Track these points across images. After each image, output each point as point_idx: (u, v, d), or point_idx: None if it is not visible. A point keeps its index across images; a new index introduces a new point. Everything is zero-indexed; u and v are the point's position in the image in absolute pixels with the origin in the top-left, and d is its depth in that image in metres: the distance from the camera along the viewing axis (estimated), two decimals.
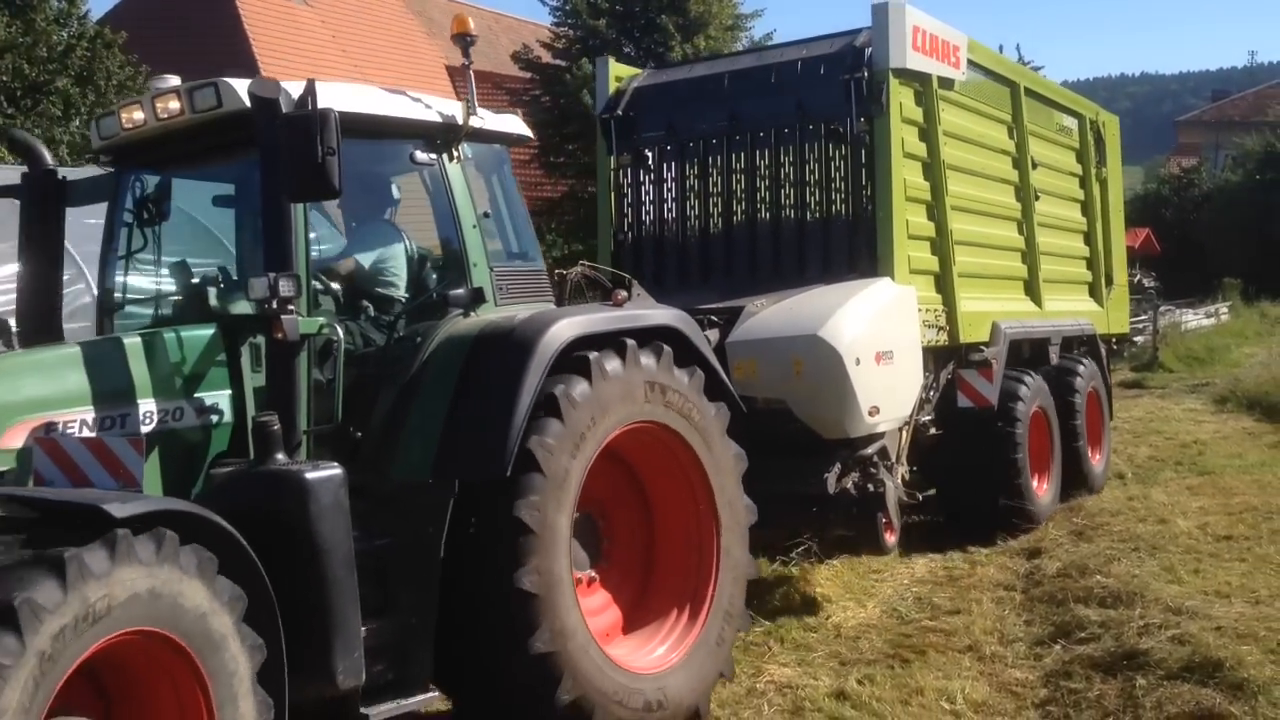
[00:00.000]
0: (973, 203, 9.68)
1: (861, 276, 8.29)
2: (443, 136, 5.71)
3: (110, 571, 3.69)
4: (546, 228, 24.74)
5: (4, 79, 17.96)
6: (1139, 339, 24.44)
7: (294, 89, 4.94)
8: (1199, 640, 6.18)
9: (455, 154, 5.75)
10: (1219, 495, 10.72)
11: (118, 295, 5.83)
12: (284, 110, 4.80)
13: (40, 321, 5.85)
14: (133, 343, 4.90)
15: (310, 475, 4.62)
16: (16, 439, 4.40)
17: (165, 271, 5.79)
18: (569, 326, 5.49)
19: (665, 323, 6.10)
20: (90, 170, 16.31)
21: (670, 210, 9.57)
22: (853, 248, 8.59)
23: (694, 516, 6.09)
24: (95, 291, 12.20)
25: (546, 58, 23.79)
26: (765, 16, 38.29)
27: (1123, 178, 13.43)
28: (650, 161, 9.50)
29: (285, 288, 4.69)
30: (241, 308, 5.06)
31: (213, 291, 5.41)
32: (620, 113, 9.56)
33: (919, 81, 8.90)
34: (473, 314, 5.64)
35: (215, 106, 5.18)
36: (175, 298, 5.74)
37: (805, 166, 8.91)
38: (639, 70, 10.40)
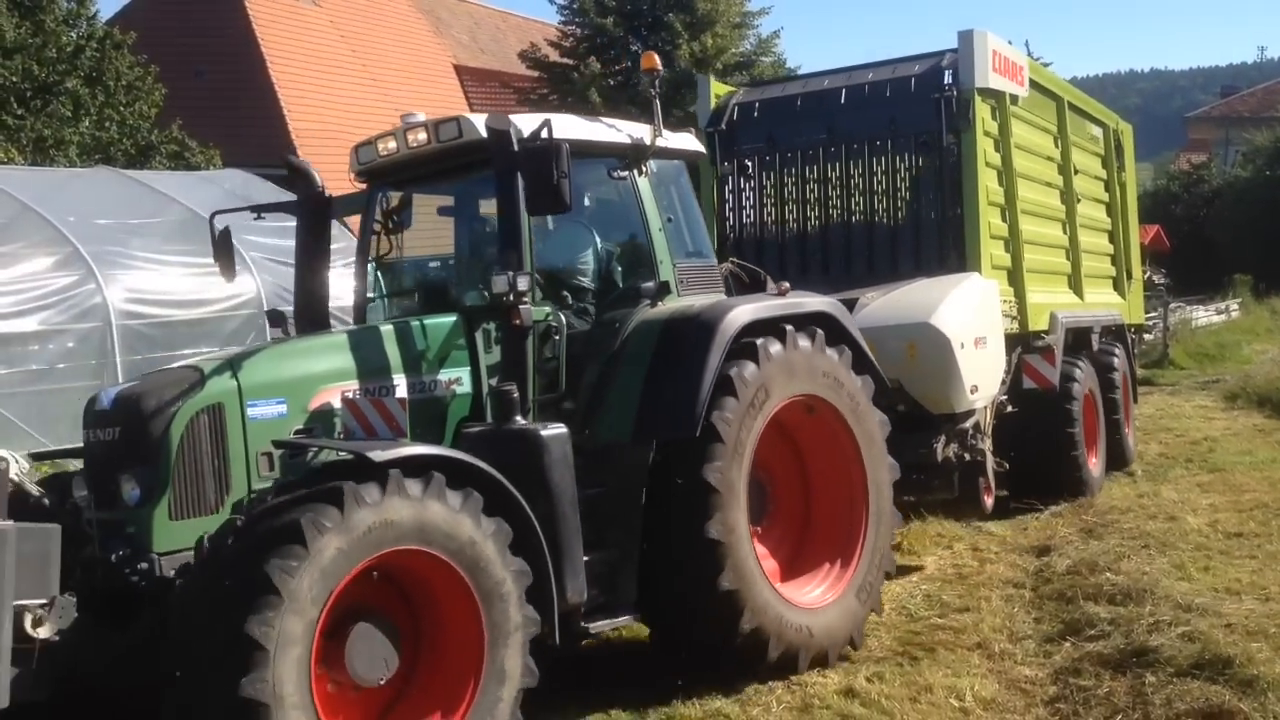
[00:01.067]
0: (1034, 206, 10.83)
1: (951, 272, 9.34)
2: (633, 155, 6.74)
3: (381, 502, 4.75)
4: None
5: (14, 80, 18.01)
6: (1149, 336, 24.37)
7: (523, 122, 6.13)
8: (1209, 637, 6.16)
9: (644, 169, 6.78)
10: (1229, 492, 10.72)
11: (370, 292, 7.04)
12: (514, 140, 5.93)
13: (313, 313, 6.95)
14: (396, 329, 6.11)
15: (545, 433, 5.71)
16: (320, 402, 5.68)
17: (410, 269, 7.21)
18: (744, 314, 6.55)
19: (820, 309, 7.13)
20: (109, 172, 16.42)
21: (770, 214, 10.74)
22: (941, 247, 9.73)
23: (845, 477, 7.03)
24: (106, 291, 12.18)
25: (554, 56, 23.78)
26: (772, 14, 38.16)
27: (1135, 179, 14.73)
28: (751, 170, 10.59)
29: (522, 284, 5.82)
30: (475, 300, 6.44)
31: (454, 287, 6.87)
32: (724, 126, 10.66)
33: (995, 99, 10.02)
34: (659, 303, 6.67)
35: (456, 137, 6.34)
36: (407, 295, 7.08)
37: (896, 175, 10.13)
38: (734, 88, 11.63)
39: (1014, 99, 10.25)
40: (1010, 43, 11.04)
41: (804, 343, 6.77)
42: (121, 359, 11.88)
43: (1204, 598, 7.19)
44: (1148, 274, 37.19)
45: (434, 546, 4.93)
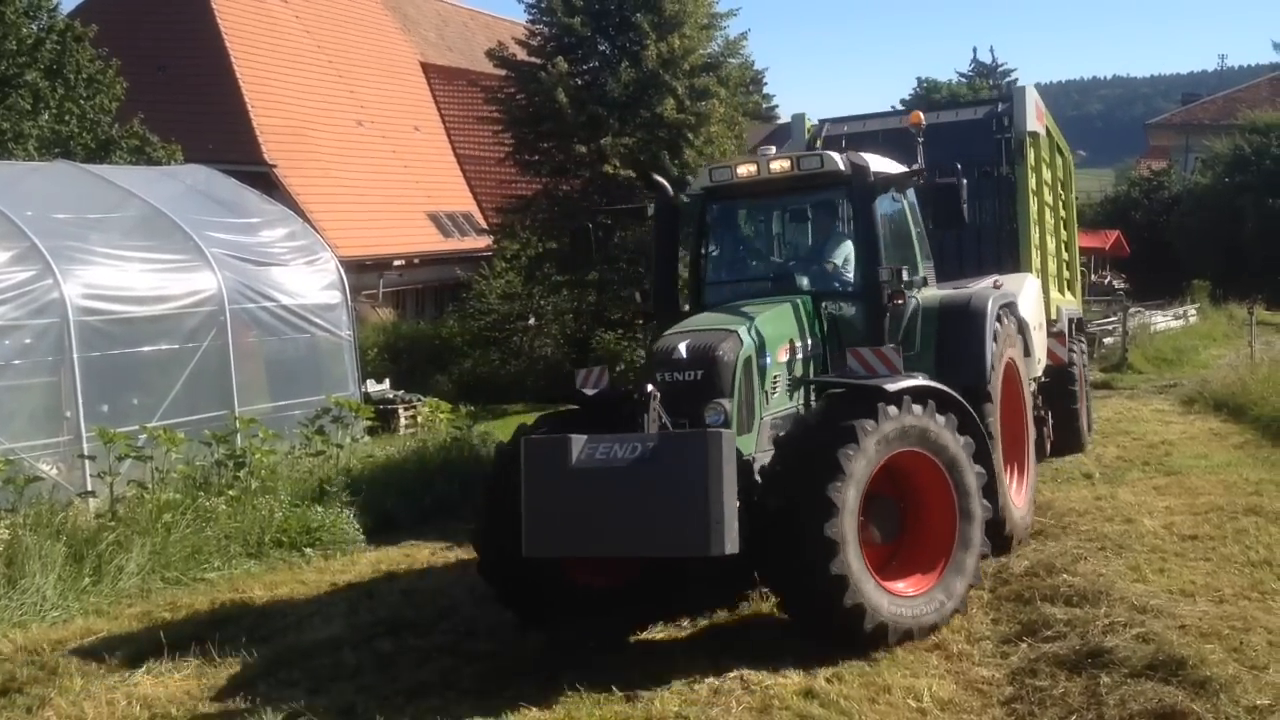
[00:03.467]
0: (1047, 221, 13.54)
1: (1006, 273, 11.20)
2: (902, 183, 8.98)
3: (898, 416, 7.02)
4: (520, 225, 24.70)
5: None
6: (1108, 340, 24.60)
7: (870, 160, 8.62)
8: (1163, 638, 6.24)
9: (907, 194, 9.14)
10: (1185, 495, 10.81)
11: (708, 284, 9.03)
12: (870, 174, 8.43)
13: (668, 295, 9.10)
14: (795, 305, 8.19)
15: (934, 385, 7.59)
16: (784, 354, 7.93)
17: (747, 263, 9.26)
18: (993, 301, 9.06)
19: (1015, 298, 9.96)
20: (68, 165, 16.14)
21: None
22: (999, 253, 12.16)
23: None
24: (64, 286, 12.03)
25: (522, 55, 23.66)
26: (740, 16, 38.26)
27: (1074, 187, 17.45)
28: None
29: (897, 274, 8.30)
30: (823, 285, 8.66)
31: (803, 277, 8.76)
32: None
33: (1033, 139, 12.59)
34: (920, 292, 8.93)
35: (818, 169, 8.52)
36: (761, 281, 8.88)
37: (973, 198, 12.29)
38: (813, 122, 13.92)
39: (1036, 138, 12.78)
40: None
41: (1009, 324, 9.29)
42: (79, 355, 11.70)
43: (1159, 599, 7.28)
44: (1108, 279, 37.72)
45: (927, 449, 7.15)
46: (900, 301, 8.30)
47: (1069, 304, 14.76)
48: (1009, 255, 12.23)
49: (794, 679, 6.53)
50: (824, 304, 8.45)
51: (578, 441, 6.66)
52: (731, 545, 6.34)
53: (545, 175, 23.97)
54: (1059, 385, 12.79)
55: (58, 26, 19.46)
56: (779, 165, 8.51)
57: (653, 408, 6.94)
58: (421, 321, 28.22)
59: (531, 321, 25.92)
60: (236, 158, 24.65)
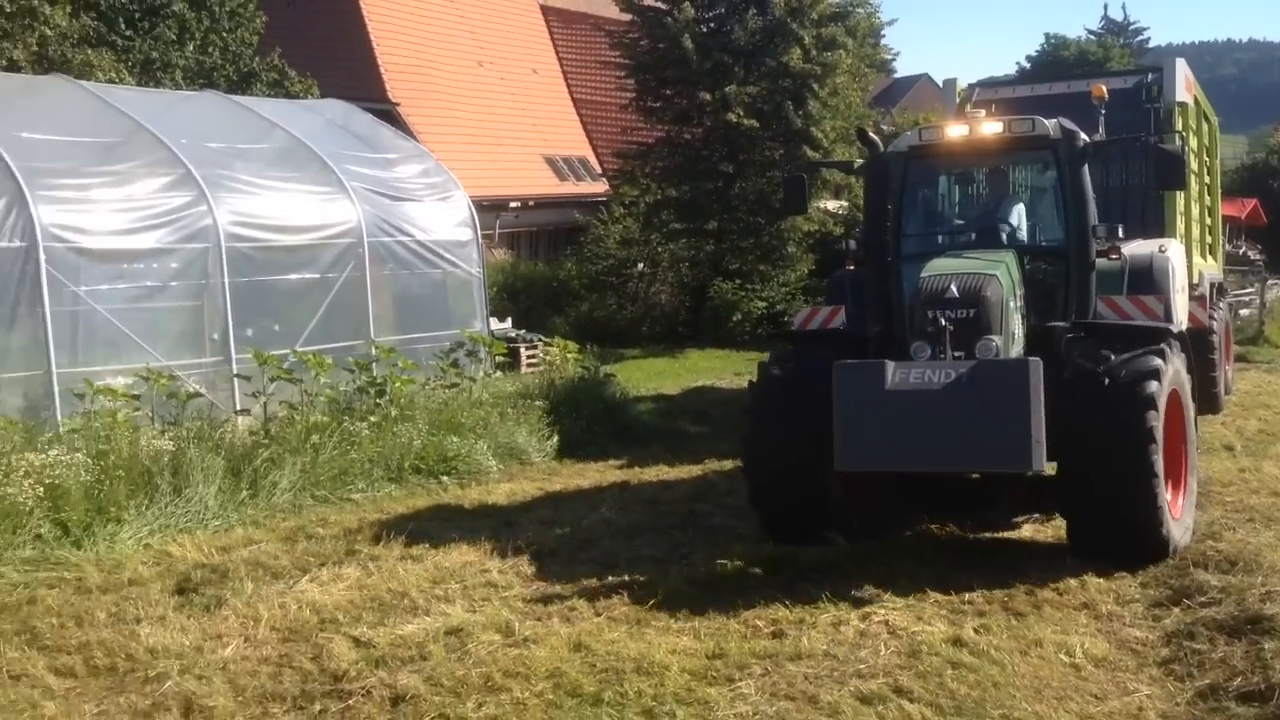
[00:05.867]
0: (1192, 189, 13.65)
1: (1150, 238, 11.30)
2: (1107, 148, 10.00)
3: (1174, 356, 8.06)
4: (640, 172, 24.70)
5: (123, 1, 18.31)
6: (1245, 312, 23.77)
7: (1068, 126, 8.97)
8: None
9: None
10: None
11: (909, 236, 9.22)
12: (1080, 140, 8.82)
13: (879, 250, 9.11)
14: (1011, 259, 8.48)
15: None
16: (1019, 301, 8.43)
17: (950, 219, 9.82)
18: (1171, 262, 9.92)
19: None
20: (215, 96, 16.60)
21: None
22: (1145, 219, 12.11)
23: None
24: (216, 213, 12.45)
25: None
26: None
27: (1219, 154, 17.57)
28: None
29: (1113, 232, 8.84)
30: (1031, 241, 9.15)
31: (1006, 232, 9.07)
32: None
33: (1182, 109, 13.03)
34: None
35: (1029, 131, 8.82)
36: (964, 235, 9.31)
37: (1110, 164, 12.36)
38: (963, 89, 14.39)
39: (1184, 106, 13.13)
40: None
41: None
42: (230, 280, 12.13)
43: None
44: (1243, 249, 36.28)
45: (1178, 386, 8.10)
46: (1116, 257, 8.84)
47: (1211, 268, 15.04)
48: (1153, 221, 12.43)
49: (940, 627, 6.55)
50: (1025, 259, 8.77)
51: (890, 366, 7.42)
52: (1042, 463, 7.15)
53: (667, 122, 23.89)
54: (1199, 349, 12.71)
55: None
56: (993, 128, 8.90)
57: (946, 340, 7.67)
58: (539, 263, 28.47)
59: (640, 268, 25.96)
60: (362, 94, 25.05)
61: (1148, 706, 5.58)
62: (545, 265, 28.06)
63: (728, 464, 11.31)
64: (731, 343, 23.07)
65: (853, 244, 10.20)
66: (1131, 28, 61.98)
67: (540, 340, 18.55)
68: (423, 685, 5.81)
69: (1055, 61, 50.84)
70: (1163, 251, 9.92)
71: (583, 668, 6.05)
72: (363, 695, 5.76)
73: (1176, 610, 6.76)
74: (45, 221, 10.75)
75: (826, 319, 9.73)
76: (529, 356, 18.16)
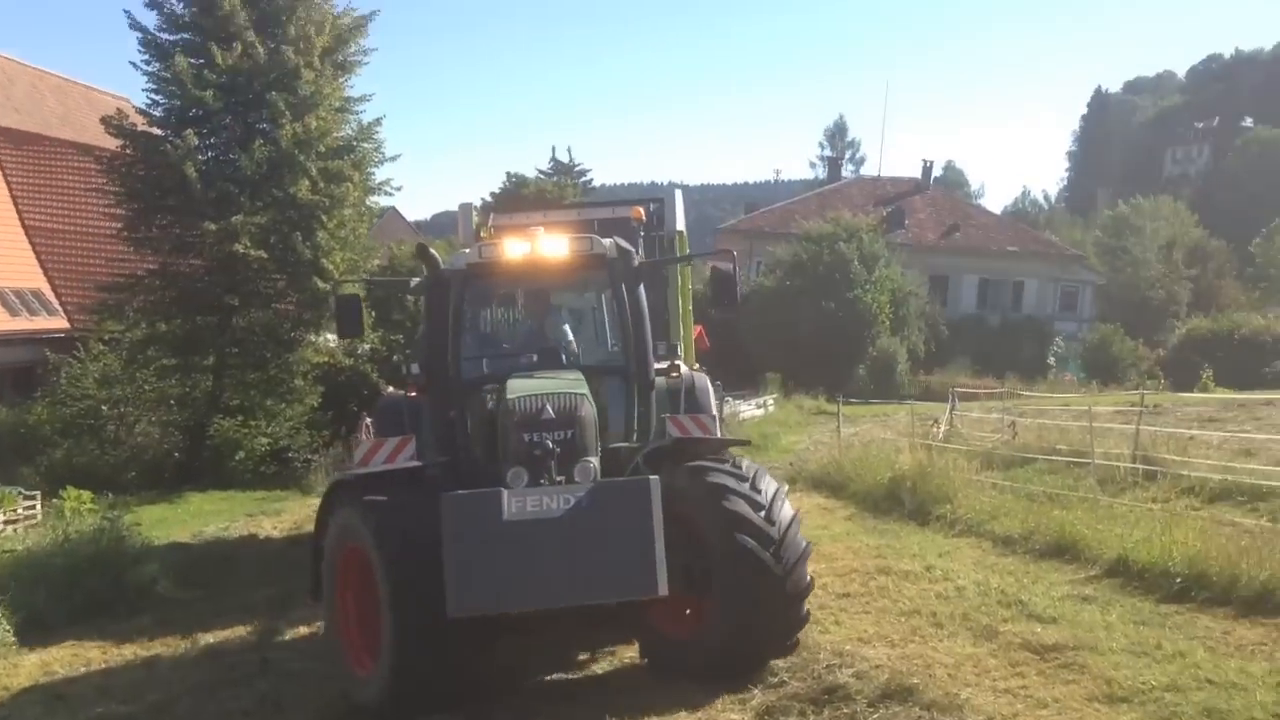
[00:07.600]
0: (682, 309, 13.71)
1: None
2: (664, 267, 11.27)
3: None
4: (128, 305, 22.96)
5: None
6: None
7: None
8: (892, 669, 7.06)
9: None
10: (823, 560, 11.97)
11: (466, 358, 8.92)
12: (635, 260, 9.14)
13: (442, 370, 8.88)
14: (580, 375, 8.40)
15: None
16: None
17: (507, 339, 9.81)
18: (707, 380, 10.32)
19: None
20: None
21: None
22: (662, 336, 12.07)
23: None
24: None
25: (142, 124, 22.31)
26: (374, 101, 38.22)
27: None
28: None
29: (672, 350, 9.60)
30: (592, 360, 9.16)
31: (567, 351, 9.17)
32: None
33: (680, 236, 13.30)
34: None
35: (588, 250, 8.98)
36: (531, 356, 9.02)
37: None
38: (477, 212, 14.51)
39: (682, 235, 13.57)
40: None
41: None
42: None
43: (849, 645, 8.23)
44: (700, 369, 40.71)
45: None
46: (676, 375, 9.30)
47: None
48: (661, 338, 13.31)
49: None
50: (595, 378, 8.61)
51: (505, 494, 6.86)
52: (665, 586, 6.78)
53: (164, 253, 22.58)
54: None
55: None
56: (550, 247, 8.89)
57: (550, 465, 7.45)
58: (1, 408, 25.18)
59: (121, 409, 23.92)
60: None
61: None
62: (8, 410, 24.92)
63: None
64: (235, 483, 21.98)
65: (415, 368, 9.60)
66: (576, 169, 68.00)
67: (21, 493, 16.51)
68: None
69: (519, 196, 54.64)
70: (699, 369, 10.61)
71: None
72: None
73: (756, 692, 7.37)
74: None
75: (394, 451, 8.68)
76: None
